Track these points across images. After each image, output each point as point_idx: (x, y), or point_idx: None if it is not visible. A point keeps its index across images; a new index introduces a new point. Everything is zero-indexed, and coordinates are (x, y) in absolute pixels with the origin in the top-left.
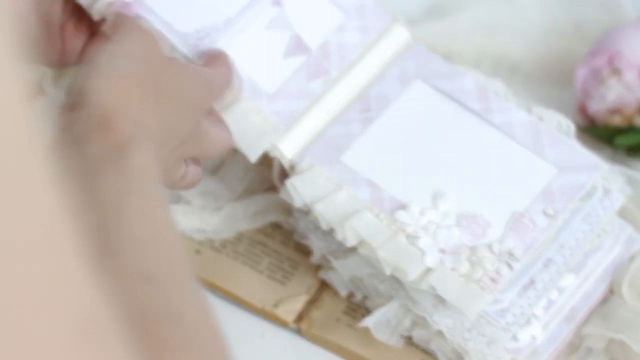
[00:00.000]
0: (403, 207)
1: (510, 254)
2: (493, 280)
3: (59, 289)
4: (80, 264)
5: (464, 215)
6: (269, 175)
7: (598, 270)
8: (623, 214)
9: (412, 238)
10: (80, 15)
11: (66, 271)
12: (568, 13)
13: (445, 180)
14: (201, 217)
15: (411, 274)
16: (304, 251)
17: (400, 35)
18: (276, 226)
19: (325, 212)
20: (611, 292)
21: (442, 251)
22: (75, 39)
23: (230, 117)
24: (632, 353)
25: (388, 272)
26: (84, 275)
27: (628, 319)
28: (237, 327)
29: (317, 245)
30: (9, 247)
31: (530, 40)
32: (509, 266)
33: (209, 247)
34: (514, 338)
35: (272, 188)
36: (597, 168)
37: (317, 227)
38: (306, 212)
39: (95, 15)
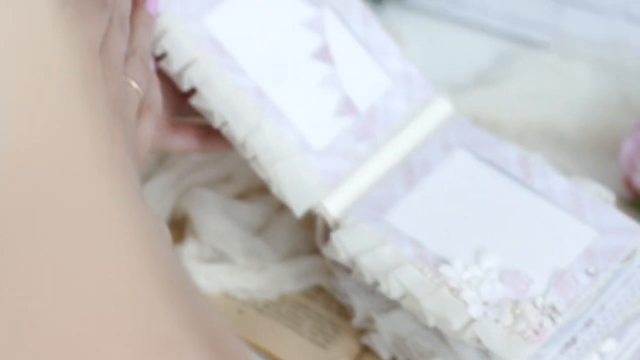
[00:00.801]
0: (446, 262)
1: (553, 308)
2: (536, 332)
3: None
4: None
5: (507, 271)
6: (313, 237)
7: (639, 339)
8: None
9: (455, 291)
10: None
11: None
12: (616, 85)
13: (488, 238)
14: (245, 276)
15: (455, 324)
16: (346, 315)
17: (443, 107)
18: (319, 289)
19: (370, 264)
20: None
21: (485, 304)
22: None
23: (281, 170)
24: None
25: (432, 323)
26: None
27: None
28: None
29: (359, 305)
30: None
31: (577, 111)
32: (552, 320)
33: (251, 307)
34: None
35: (317, 250)
36: (637, 232)
37: (359, 285)
38: (349, 269)
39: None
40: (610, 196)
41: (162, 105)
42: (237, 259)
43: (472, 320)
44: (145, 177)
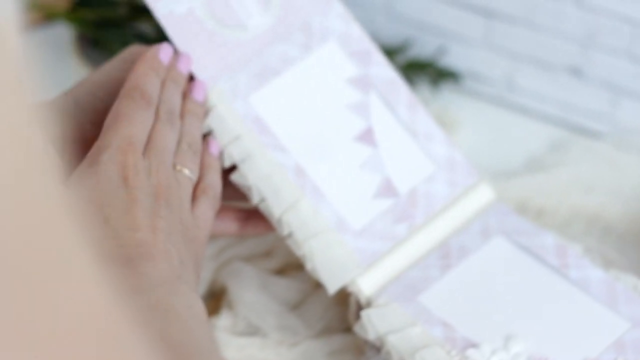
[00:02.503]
0: (474, 346)
1: None
2: None
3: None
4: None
5: (535, 358)
6: (347, 316)
7: None
8: None
9: None
10: None
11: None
12: None
13: (519, 325)
14: (277, 351)
15: None
16: None
17: (485, 194)
18: None
19: (398, 344)
20: None
21: None
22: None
23: (315, 247)
24: None
25: None
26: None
27: None
28: None
29: None
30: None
31: (627, 201)
32: None
33: None
34: None
35: (350, 329)
36: None
37: None
38: (378, 348)
39: None
40: None
41: (219, 189)
42: (270, 334)
43: None
44: None
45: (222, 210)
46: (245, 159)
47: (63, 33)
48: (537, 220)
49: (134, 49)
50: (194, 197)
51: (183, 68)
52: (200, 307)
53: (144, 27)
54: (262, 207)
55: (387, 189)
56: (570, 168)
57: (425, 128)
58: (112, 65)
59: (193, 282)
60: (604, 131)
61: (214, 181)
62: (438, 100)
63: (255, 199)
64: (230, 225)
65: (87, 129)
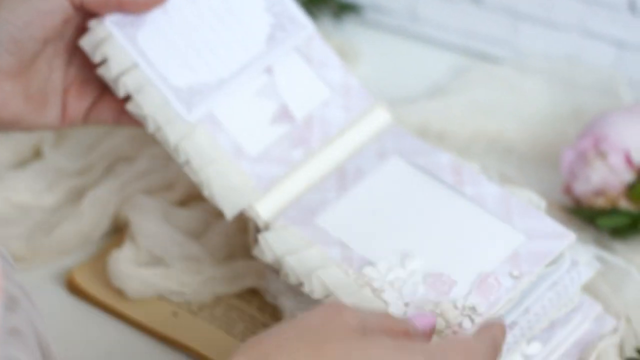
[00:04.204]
0: (371, 264)
1: (473, 309)
2: (455, 333)
3: None
4: None
5: (431, 273)
6: (249, 236)
7: (565, 345)
8: (596, 294)
9: (377, 291)
10: (85, 79)
11: None
12: (567, 98)
13: (415, 242)
14: (180, 279)
15: None
16: (279, 317)
17: (381, 117)
18: (254, 292)
19: (295, 265)
20: None
21: (406, 304)
22: (79, 102)
23: (212, 175)
24: None
25: None
26: None
27: None
28: None
29: (287, 306)
30: None
31: (527, 123)
32: (472, 321)
33: (186, 310)
34: None
35: (252, 255)
36: (564, 237)
37: (287, 288)
38: (277, 270)
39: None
40: (541, 203)
41: None
42: (174, 263)
43: None
44: (91, 184)
45: (99, 100)
46: (139, 89)
47: None
48: (438, 143)
49: None
50: None
51: None
52: None
53: None
54: (158, 136)
55: (283, 115)
56: (470, 92)
57: (321, 55)
58: None
59: None
60: (505, 56)
61: None
62: (340, 33)
63: (150, 128)
64: (106, 114)
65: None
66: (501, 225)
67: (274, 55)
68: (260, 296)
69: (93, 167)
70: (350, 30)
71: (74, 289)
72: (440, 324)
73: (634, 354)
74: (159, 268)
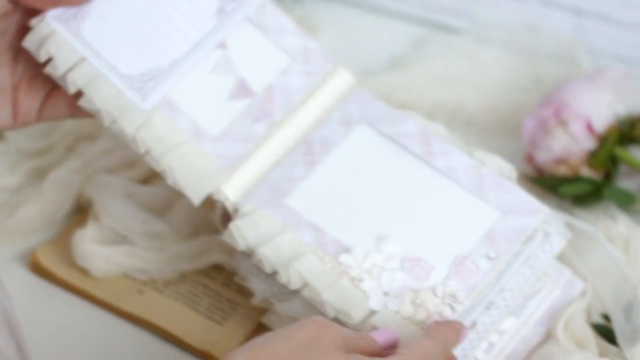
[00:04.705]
0: (347, 250)
1: (453, 297)
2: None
3: None
4: None
5: (408, 258)
6: (213, 217)
7: (537, 313)
8: (562, 259)
9: (356, 281)
10: (34, 75)
11: None
12: (528, 67)
13: (389, 223)
14: (144, 257)
15: (355, 317)
16: (244, 293)
17: (344, 80)
18: (219, 268)
19: (269, 255)
20: (550, 336)
21: (385, 294)
22: (30, 99)
23: (174, 161)
24: None
25: (332, 315)
26: None
27: (560, 357)
28: None
29: (258, 288)
30: None
31: (488, 93)
32: (452, 309)
33: (151, 288)
34: None
35: (217, 230)
36: (539, 212)
37: (259, 270)
38: (249, 254)
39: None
40: (512, 171)
41: None
42: (138, 241)
43: (372, 312)
44: (53, 164)
45: (52, 94)
46: (89, 83)
47: None
48: None
49: None
50: None
51: None
52: None
53: None
54: (115, 128)
55: (242, 90)
56: (430, 64)
57: (274, 22)
58: None
59: None
60: (464, 27)
61: None
62: (301, 7)
63: (106, 122)
64: (61, 108)
65: None
66: (475, 201)
67: (226, 28)
68: (225, 272)
69: (54, 147)
70: (310, 4)
71: (38, 269)
72: (422, 314)
73: (600, 319)
74: (123, 246)
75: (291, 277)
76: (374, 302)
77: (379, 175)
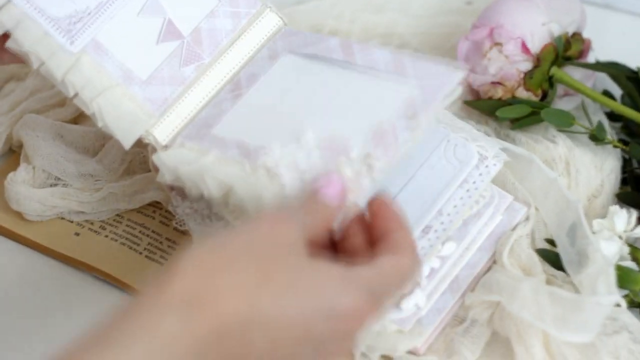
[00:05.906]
0: (265, 149)
1: (368, 155)
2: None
3: None
4: None
5: (325, 138)
6: (148, 156)
7: (480, 239)
8: (505, 186)
9: (272, 174)
10: None
11: None
12: None
13: (309, 121)
14: (79, 198)
15: (266, 199)
16: (183, 231)
17: (271, 21)
18: (156, 207)
19: (190, 174)
20: (495, 262)
21: (302, 172)
22: None
23: (104, 104)
24: (511, 323)
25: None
26: None
27: (506, 284)
28: None
29: (195, 230)
30: None
31: (420, 17)
32: (370, 167)
33: (88, 229)
34: (398, 307)
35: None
36: (456, 71)
37: (196, 211)
38: (182, 193)
39: None
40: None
41: None
42: (71, 182)
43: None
44: None
45: None
46: (16, 24)
47: None
48: None
49: None
50: None
51: None
52: None
53: None
54: (43, 71)
55: (170, 32)
56: None
57: None
58: None
59: None
60: None
61: None
62: None
63: (34, 64)
64: None
65: None
66: (393, 78)
67: None
68: (163, 210)
69: None
70: None
71: None
72: None
73: (544, 244)
74: (56, 188)
75: (210, 185)
76: (287, 179)
77: (300, 88)
